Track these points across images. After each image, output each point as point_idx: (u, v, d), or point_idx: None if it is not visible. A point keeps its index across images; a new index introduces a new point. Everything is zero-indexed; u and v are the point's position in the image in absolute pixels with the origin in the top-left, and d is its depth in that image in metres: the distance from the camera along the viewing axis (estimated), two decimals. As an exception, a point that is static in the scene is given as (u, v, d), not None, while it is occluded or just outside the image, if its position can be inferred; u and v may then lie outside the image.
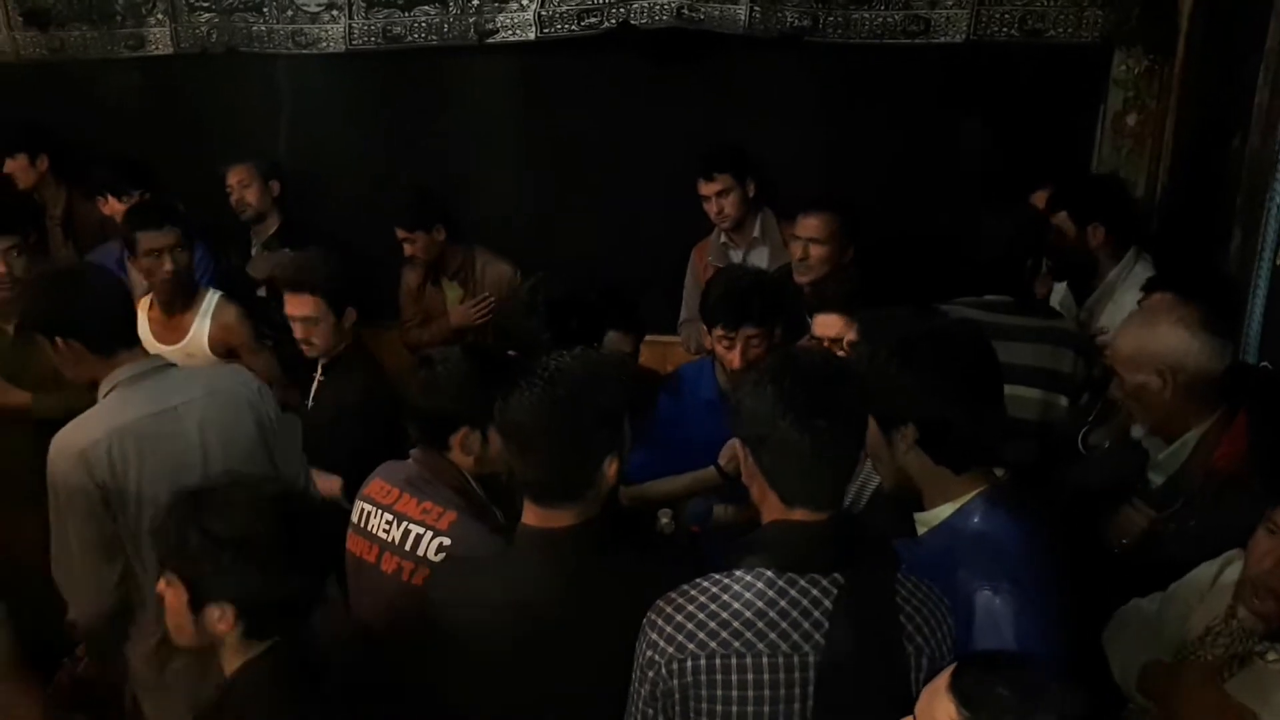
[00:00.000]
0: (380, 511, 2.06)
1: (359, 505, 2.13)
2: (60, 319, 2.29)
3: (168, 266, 3.21)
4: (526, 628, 1.61)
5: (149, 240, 3.20)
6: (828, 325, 2.58)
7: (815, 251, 3.29)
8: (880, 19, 3.64)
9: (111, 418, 2.29)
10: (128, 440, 2.27)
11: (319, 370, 2.96)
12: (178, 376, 2.44)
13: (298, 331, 2.94)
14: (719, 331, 2.73)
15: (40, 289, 2.46)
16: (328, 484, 2.74)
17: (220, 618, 1.59)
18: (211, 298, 3.43)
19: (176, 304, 3.34)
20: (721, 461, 2.52)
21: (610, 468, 1.65)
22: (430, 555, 1.95)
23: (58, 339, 2.29)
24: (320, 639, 1.72)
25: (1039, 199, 3.28)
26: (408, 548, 1.99)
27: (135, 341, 2.39)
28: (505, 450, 1.70)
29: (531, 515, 1.68)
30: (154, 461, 2.29)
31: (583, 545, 1.66)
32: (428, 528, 1.98)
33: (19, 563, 2.91)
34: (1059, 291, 3.17)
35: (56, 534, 2.31)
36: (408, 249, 3.92)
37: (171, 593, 1.62)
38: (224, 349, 3.40)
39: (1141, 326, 2.17)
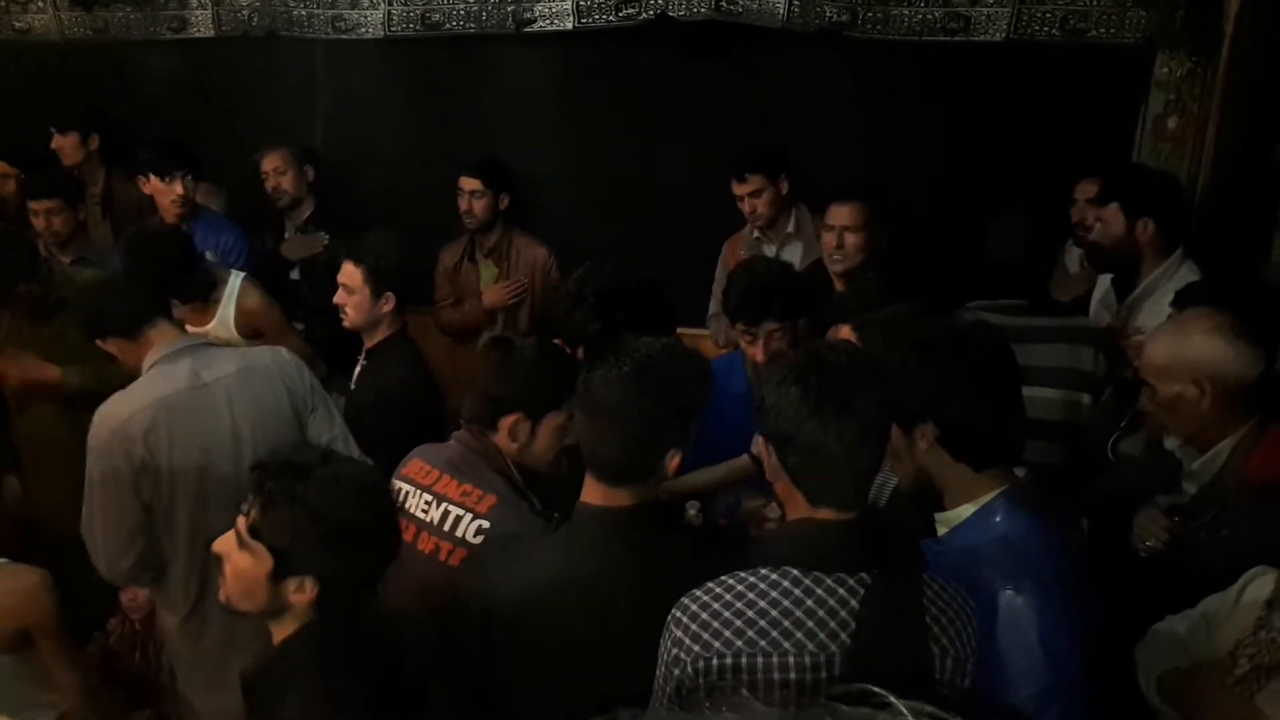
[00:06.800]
0: (419, 492, 2.10)
1: (396, 485, 2.16)
2: (93, 326, 2.53)
3: None
4: (587, 602, 1.64)
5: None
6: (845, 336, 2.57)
7: (850, 240, 3.29)
8: (920, 16, 3.61)
9: (147, 393, 2.39)
10: (160, 415, 2.36)
11: (363, 355, 3.00)
12: (214, 354, 2.54)
13: (338, 296, 2.98)
14: (741, 327, 2.73)
15: (79, 303, 2.69)
16: None
17: (298, 589, 1.59)
18: (235, 281, 3.47)
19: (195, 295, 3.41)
20: (755, 450, 2.52)
21: (673, 460, 1.68)
22: (469, 537, 1.99)
23: (97, 341, 2.52)
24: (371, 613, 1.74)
25: (1086, 190, 3.24)
26: (446, 528, 2.02)
27: (155, 317, 2.50)
28: (579, 425, 1.73)
29: (594, 494, 1.71)
30: (185, 435, 2.38)
31: (643, 524, 1.69)
32: (467, 510, 2.02)
33: (56, 538, 3.00)
34: (1102, 286, 3.14)
35: (87, 499, 2.39)
36: (463, 203, 3.95)
37: (251, 560, 1.60)
38: (250, 330, 3.45)
39: (1174, 336, 2.14)
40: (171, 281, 3.18)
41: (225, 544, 1.64)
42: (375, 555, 1.65)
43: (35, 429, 3.27)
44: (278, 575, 1.59)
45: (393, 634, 1.74)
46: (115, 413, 2.36)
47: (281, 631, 1.65)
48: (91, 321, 2.55)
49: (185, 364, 2.45)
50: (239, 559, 1.61)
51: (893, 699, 0.67)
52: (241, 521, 1.62)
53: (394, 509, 1.70)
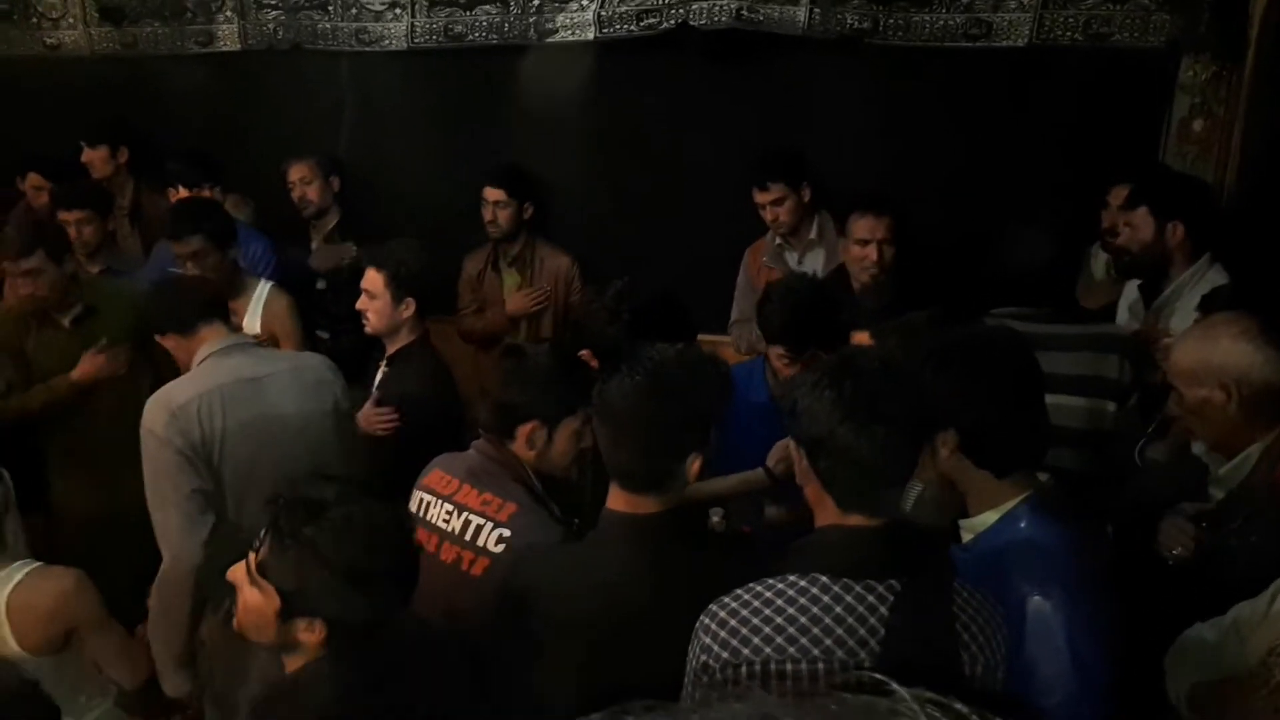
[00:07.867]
0: (440, 501, 2.11)
1: (418, 495, 2.18)
2: (154, 321, 2.71)
3: (194, 271, 3.32)
4: (614, 609, 1.64)
5: (176, 247, 3.35)
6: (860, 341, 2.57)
7: (889, 253, 3.24)
8: (941, 22, 3.61)
9: (201, 382, 2.51)
10: (215, 400, 2.46)
11: (384, 361, 3.05)
12: (262, 353, 2.70)
13: (360, 301, 3.01)
14: (780, 350, 2.69)
15: (148, 305, 2.87)
16: None
17: (307, 629, 1.55)
18: (263, 288, 3.53)
19: (225, 294, 3.44)
20: (770, 464, 2.53)
21: (693, 465, 1.69)
22: (490, 546, 2.00)
23: (157, 338, 2.68)
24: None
25: (1117, 196, 3.23)
26: (468, 538, 2.03)
27: (210, 317, 2.63)
28: (598, 434, 1.74)
29: (619, 501, 1.72)
30: (239, 423, 2.49)
31: (669, 531, 1.70)
32: (488, 519, 2.03)
33: (87, 542, 3.04)
34: (1130, 293, 3.12)
35: (150, 489, 2.47)
36: (487, 213, 3.97)
37: (260, 597, 1.56)
38: (270, 337, 3.49)
39: (1202, 340, 2.12)
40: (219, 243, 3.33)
41: (237, 574, 1.61)
42: (386, 598, 1.59)
43: (78, 428, 3.32)
44: (285, 614, 1.55)
45: (414, 654, 1.69)
46: (173, 397, 2.46)
47: (293, 664, 1.62)
48: (153, 316, 2.71)
49: (236, 359, 2.58)
50: (249, 593, 1.58)
51: (895, 685, 0.67)
52: (252, 557, 1.58)
53: (408, 549, 1.62)
